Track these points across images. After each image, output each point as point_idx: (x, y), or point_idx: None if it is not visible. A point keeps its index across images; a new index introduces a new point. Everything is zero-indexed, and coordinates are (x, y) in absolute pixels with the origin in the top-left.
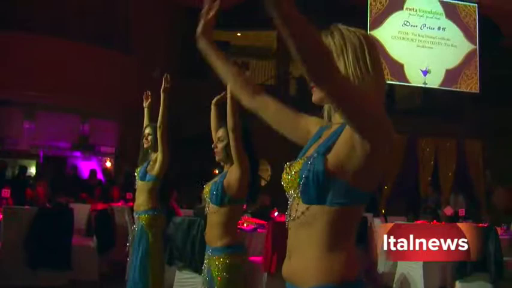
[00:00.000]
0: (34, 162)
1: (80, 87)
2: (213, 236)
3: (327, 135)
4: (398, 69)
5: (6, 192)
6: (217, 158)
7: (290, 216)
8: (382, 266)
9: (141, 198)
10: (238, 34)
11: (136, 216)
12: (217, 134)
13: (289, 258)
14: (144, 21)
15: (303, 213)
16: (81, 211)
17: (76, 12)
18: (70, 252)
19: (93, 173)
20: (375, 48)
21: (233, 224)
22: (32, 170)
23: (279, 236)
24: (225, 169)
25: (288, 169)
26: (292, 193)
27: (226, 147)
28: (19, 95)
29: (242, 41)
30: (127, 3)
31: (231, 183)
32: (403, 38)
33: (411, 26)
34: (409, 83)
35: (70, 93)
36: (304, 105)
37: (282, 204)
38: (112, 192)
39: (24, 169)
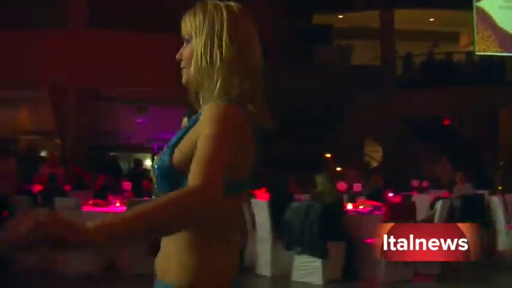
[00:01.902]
0: (149, 155)
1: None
2: None
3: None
4: (508, 40)
5: (128, 185)
6: None
7: None
8: (503, 244)
9: None
10: (340, 16)
11: None
12: None
13: (161, 251)
14: None
15: None
16: None
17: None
18: None
19: None
20: (240, 22)
21: None
22: (147, 163)
23: (396, 218)
24: None
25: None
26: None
27: None
28: (128, 92)
29: (344, 23)
30: None
31: None
32: None
33: None
34: None
35: (173, 85)
36: (411, 85)
37: (394, 183)
38: None
39: (139, 162)
